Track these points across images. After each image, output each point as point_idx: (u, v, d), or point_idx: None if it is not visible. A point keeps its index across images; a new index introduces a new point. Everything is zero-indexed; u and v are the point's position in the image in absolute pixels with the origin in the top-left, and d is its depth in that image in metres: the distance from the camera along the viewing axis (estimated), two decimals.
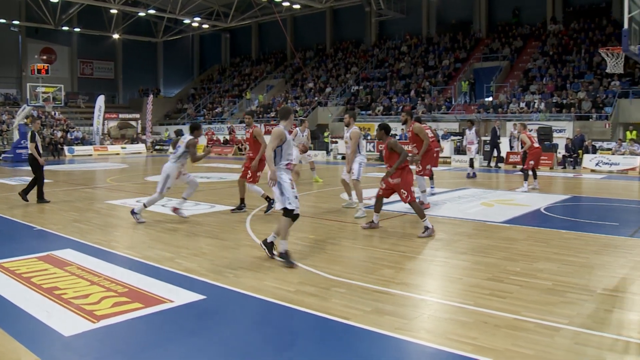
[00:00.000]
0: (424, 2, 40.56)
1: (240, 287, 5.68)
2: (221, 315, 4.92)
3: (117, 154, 36.77)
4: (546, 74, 31.18)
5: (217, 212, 10.66)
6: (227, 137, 37.02)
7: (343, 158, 24.81)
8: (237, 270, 6.37)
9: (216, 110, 44.20)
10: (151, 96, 44.07)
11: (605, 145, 24.41)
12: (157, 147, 40.17)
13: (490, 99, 31.75)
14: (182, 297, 5.34)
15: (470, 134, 19.02)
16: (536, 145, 14.91)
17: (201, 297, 5.34)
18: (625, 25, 12.01)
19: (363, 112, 34.47)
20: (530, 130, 25.91)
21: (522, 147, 15.85)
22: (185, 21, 46.29)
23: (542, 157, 15.69)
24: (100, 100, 38.84)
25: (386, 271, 6.31)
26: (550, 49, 32.95)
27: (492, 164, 23.84)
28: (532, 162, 14.65)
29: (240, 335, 4.48)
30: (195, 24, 46.66)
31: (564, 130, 26.32)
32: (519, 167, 17.22)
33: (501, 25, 37.64)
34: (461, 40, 38.29)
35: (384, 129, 8.75)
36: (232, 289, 5.64)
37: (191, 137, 9.61)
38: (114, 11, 43.10)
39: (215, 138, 37.54)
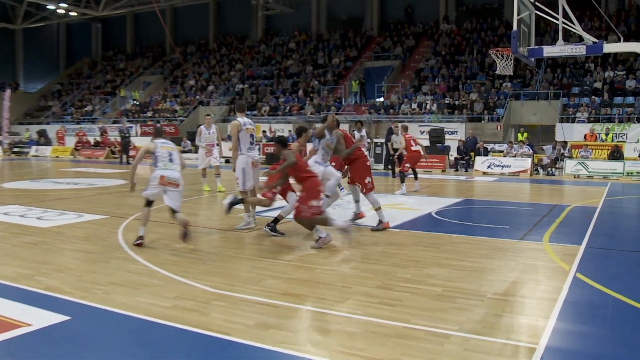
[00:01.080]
0: None
1: (110, 304, 5.45)
2: (88, 338, 4.69)
3: None
4: (438, 74, 32.41)
5: (85, 222, 10.18)
6: (99, 138, 35.53)
7: (227, 162, 24.55)
8: (106, 286, 6.11)
9: (86, 109, 42.48)
10: (8, 91, 41.45)
11: (497, 147, 25.71)
12: (15, 150, 37.87)
13: (382, 99, 32.52)
14: (41, 319, 5.03)
15: (359, 136, 19.26)
16: (414, 148, 15.55)
17: (65, 318, 5.07)
18: (515, 27, 12.90)
19: (248, 112, 34.24)
20: (423, 132, 27.46)
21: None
22: (49, 7, 43.53)
23: (420, 160, 16.34)
24: None
25: (271, 282, 6.30)
26: (443, 49, 34.30)
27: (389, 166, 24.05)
28: (407, 165, 15.29)
29: None
30: (61, 11, 44.04)
31: (456, 132, 27.38)
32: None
33: (393, 24, 38.73)
34: (352, 37, 39.07)
35: (280, 143, 8.39)
36: (101, 307, 5.40)
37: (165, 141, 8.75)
38: None
39: (85, 140, 35.87)
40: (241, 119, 9.65)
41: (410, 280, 6.39)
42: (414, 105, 30.10)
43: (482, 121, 28.13)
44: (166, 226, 9.88)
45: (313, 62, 38.21)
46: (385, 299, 5.67)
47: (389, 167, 21.61)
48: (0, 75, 49.42)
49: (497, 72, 15.98)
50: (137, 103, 39.88)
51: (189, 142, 31.21)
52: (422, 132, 27.60)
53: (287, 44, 41.52)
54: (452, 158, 25.24)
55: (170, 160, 8.25)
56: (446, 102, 29.64)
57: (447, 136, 26.72)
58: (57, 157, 34.77)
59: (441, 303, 5.56)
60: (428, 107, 29.59)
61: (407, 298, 5.70)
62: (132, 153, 28.04)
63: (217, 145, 15.90)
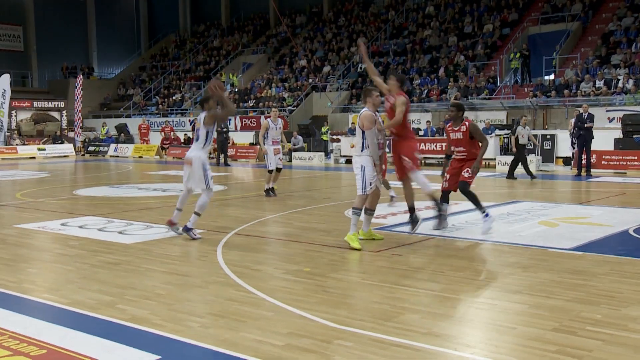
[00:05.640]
0: None
1: (208, 341, 5.62)
2: None
3: (32, 157, 36.81)
4: (637, 37, 31.00)
5: (176, 238, 10.61)
6: (190, 134, 36.94)
7: (347, 162, 24.84)
8: (204, 317, 6.33)
9: (173, 98, 44.43)
10: (80, 77, 43.92)
11: None
12: (90, 149, 40.14)
13: (552, 77, 31.81)
14: (125, 358, 5.27)
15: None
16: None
17: (154, 357, 5.28)
18: None
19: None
20: (612, 120, 27.00)
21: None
22: None
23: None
24: (4, 82, 38.68)
25: (409, 317, 6.28)
26: None
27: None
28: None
29: None
30: None
31: None
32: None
33: None
34: None
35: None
36: (198, 344, 5.58)
37: (205, 113, 10.59)
38: None
39: (173, 136, 37.43)
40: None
41: (601, 322, 6.15)
42: (600, 84, 29.09)
43: None
44: (275, 244, 10.08)
45: (458, 31, 38.01)
46: (567, 346, 5.48)
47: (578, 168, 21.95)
48: (71, 58, 52.50)
49: None
50: (236, 90, 41.00)
51: (300, 137, 31.82)
52: (611, 120, 26.98)
53: (423, 8, 41.52)
54: None
55: None
56: None
57: None
58: (141, 157, 36.68)
59: None
60: (621, 84, 28.48)
61: (599, 348, 5.47)
62: (231, 152, 28.72)
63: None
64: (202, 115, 10.66)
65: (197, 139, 10.74)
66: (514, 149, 21.43)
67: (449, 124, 11.18)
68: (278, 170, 16.60)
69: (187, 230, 10.48)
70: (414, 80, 35.22)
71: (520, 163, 21.17)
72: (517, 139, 21.21)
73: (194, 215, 10.48)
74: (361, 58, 8.87)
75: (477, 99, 31.65)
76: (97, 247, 10.02)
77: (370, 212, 10.09)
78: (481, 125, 28.15)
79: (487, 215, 10.60)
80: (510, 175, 21.15)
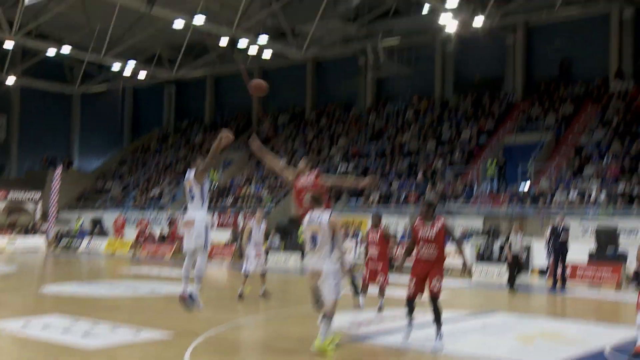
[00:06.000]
0: (437, 53, 41.18)
1: None
2: None
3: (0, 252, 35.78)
4: (608, 151, 31.28)
5: (144, 343, 10.30)
6: (166, 230, 36.51)
7: None
8: None
9: (152, 193, 44.15)
10: (60, 168, 43.54)
11: None
12: (62, 243, 39.33)
13: (528, 186, 31.78)
14: None
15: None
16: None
17: None
18: None
19: (353, 199, 34.61)
20: (587, 232, 26.26)
21: None
22: (113, 67, 45.54)
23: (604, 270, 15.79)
24: None
25: None
26: (615, 116, 33.10)
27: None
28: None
29: None
30: (127, 72, 45.68)
31: (636, 232, 25.99)
32: None
33: (544, 84, 37.95)
34: (488, 104, 38.73)
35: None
36: None
37: (193, 169, 10.50)
38: (9, 45, 40.26)
39: (149, 232, 36.74)
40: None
41: None
42: (574, 195, 29.09)
43: None
44: (247, 352, 9.82)
45: (436, 136, 38.10)
46: None
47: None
48: (53, 148, 52.27)
49: None
50: (216, 186, 40.82)
51: (277, 238, 31.47)
52: (585, 232, 26.50)
53: (403, 113, 41.70)
54: (630, 269, 23.26)
55: None
56: (620, 190, 28.48)
57: (622, 238, 24.99)
58: (114, 253, 35.83)
59: None
60: (594, 197, 28.52)
61: None
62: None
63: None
64: (191, 173, 10.52)
65: (192, 199, 10.56)
66: (509, 259, 20.50)
67: (418, 221, 10.77)
68: (262, 275, 16.17)
69: (190, 298, 10.43)
70: (392, 183, 35.15)
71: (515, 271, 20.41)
72: (510, 247, 20.56)
73: (195, 284, 10.44)
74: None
75: (454, 203, 31.60)
76: (58, 353, 9.65)
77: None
78: (458, 232, 28.19)
79: (441, 335, 10.27)
80: (511, 286, 20.14)
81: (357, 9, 39.41)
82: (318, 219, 9.64)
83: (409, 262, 10.84)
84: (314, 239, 9.67)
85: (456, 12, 32.32)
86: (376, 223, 14.52)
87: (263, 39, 38.88)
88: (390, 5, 39.22)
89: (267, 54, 41.52)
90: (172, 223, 36.13)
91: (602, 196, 28.26)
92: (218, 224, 35.40)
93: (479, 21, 32.78)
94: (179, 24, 36.09)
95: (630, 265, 23.28)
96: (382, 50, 39.71)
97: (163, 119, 55.15)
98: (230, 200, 39.06)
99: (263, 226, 16.65)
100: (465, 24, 33.32)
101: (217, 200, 38.98)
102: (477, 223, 29.84)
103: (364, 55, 41.78)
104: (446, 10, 32.35)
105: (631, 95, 34.11)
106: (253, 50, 40.97)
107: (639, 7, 35.25)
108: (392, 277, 14.23)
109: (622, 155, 30.65)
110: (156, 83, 51.90)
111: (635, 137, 31.34)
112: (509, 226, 27.10)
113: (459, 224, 29.42)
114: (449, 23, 33.66)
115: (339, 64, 45.26)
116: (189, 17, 35.00)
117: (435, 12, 33.65)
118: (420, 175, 34.90)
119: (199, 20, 35.03)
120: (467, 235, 27.72)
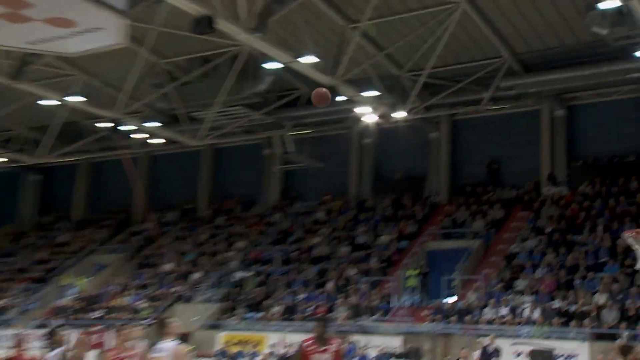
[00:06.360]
0: (354, 145, 40.34)
1: None
2: None
3: None
4: (541, 261, 30.49)
5: None
6: (11, 352, 31.47)
7: None
8: None
9: None
10: None
11: None
12: None
13: (454, 299, 30.58)
14: None
15: None
16: None
17: None
18: None
19: (251, 314, 32.70)
20: (520, 355, 25.85)
21: None
22: None
23: None
24: None
25: None
26: (548, 224, 32.67)
27: None
28: None
29: None
30: None
31: (574, 358, 25.44)
32: None
33: (471, 186, 37.50)
34: (409, 205, 38.05)
35: None
36: None
37: None
38: None
39: None
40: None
41: None
42: (504, 311, 28.09)
43: (618, 339, 24.73)
44: None
45: (350, 240, 36.66)
46: None
47: None
48: None
49: (636, 267, 15.98)
50: (81, 296, 38.18)
51: None
52: (518, 355, 25.66)
53: (313, 212, 40.47)
54: None
55: None
56: (555, 306, 27.62)
57: None
58: None
59: None
60: (526, 313, 27.60)
61: None
62: None
63: None
64: None
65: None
66: None
67: (309, 343, 10.72)
68: None
69: None
70: (298, 293, 33.65)
71: None
72: None
73: None
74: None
75: (368, 320, 30.15)
76: None
77: None
78: (373, 353, 27.46)
79: None
80: None
81: (264, 94, 37.39)
82: None
83: None
84: None
85: (374, 102, 31.22)
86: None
87: (153, 124, 36.29)
88: (302, 92, 37.62)
89: (156, 140, 38.93)
90: (19, 343, 31.33)
91: (536, 314, 27.72)
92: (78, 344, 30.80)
93: (400, 113, 31.93)
94: (48, 102, 33.24)
95: None
96: (291, 140, 38.80)
97: (19, 213, 51.91)
98: (99, 313, 35.94)
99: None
100: (385, 116, 32.50)
101: (81, 311, 36.28)
102: (395, 342, 28.76)
103: (269, 145, 40.89)
104: (364, 100, 31.05)
105: (565, 201, 34.51)
106: (139, 135, 38.19)
107: (570, 106, 35.89)
108: None
109: (557, 267, 30.50)
110: (15, 168, 47.97)
111: (571, 247, 31.27)
112: (432, 347, 27.26)
113: (375, 344, 28.33)
114: (367, 113, 32.74)
115: (241, 153, 43.97)
116: (62, 94, 32.04)
117: (351, 102, 32.24)
118: (331, 285, 33.43)
119: (75, 99, 32.08)
120: (384, 356, 27.28)
